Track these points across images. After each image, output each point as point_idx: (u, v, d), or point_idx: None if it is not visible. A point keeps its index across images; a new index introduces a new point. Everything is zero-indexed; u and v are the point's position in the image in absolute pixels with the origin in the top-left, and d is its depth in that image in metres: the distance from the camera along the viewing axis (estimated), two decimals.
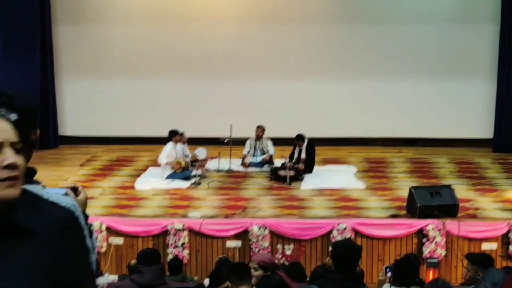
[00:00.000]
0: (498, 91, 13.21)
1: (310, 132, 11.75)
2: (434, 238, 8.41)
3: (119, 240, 8.73)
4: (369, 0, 13.39)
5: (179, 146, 11.27)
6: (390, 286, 4.90)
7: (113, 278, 6.46)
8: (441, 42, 13.29)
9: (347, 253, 4.27)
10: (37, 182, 2.25)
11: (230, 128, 11.68)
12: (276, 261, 8.06)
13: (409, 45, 13.33)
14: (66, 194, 2.48)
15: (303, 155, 11.25)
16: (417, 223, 8.56)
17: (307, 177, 10.97)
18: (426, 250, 8.42)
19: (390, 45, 13.35)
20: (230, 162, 11.67)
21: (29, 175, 2.11)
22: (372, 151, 13.09)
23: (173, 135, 11.23)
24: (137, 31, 13.57)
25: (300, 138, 11.32)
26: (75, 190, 2.61)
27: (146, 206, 9.58)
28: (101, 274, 6.07)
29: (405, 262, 5.08)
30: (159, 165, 11.14)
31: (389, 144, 13.47)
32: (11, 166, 1.55)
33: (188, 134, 11.67)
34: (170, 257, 8.20)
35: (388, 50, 13.35)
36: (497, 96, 13.21)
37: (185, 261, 8.44)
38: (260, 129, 11.88)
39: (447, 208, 8.74)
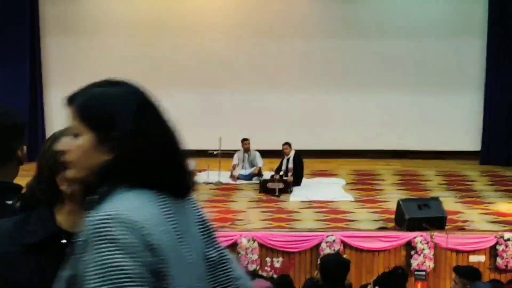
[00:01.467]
0: (485, 104, 13.31)
1: (300, 145, 11.77)
2: (423, 250, 8.44)
3: None
4: (359, 16, 13.46)
5: None
6: None
7: None
8: (429, 56, 13.38)
9: (334, 267, 4.29)
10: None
11: (219, 141, 11.68)
12: (265, 274, 8.07)
13: (397, 59, 13.40)
14: None
15: (290, 165, 11.26)
16: (406, 236, 8.58)
17: (296, 190, 10.97)
18: (415, 262, 8.43)
19: (379, 59, 13.42)
20: (219, 175, 11.67)
21: (15, 191, 2.11)
22: (361, 164, 13.11)
23: None
24: (126, 43, 13.56)
25: (286, 143, 11.36)
26: None
27: None
28: None
29: (393, 274, 5.10)
30: None
31: (378, 157, 13.49)
32: None
33: None
34: None
35: (376, 64, 13.42)
36: (485, 109, 13.31)
37: None
38: (246, 142, 11.90)
39: (435, 220, 8.77)
